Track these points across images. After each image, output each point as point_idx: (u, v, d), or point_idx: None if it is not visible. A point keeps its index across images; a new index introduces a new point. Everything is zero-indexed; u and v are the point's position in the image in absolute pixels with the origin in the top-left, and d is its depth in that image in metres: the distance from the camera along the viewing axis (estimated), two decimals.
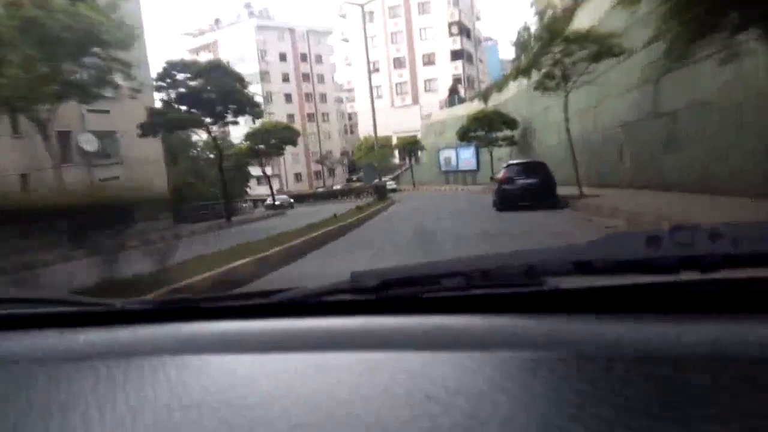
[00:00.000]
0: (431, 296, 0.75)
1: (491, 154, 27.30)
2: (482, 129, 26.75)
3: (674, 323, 0.59)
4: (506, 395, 0.51)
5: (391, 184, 40.93)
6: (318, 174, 68.40)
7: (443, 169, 40.09)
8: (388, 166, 49.90)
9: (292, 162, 66.45)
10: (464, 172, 37.12)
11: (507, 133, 25.85)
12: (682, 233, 0.61)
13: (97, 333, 0.82)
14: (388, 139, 47.22)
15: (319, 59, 68.41)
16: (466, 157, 36.18)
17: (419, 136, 45.03)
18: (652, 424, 0.44)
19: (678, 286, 0.64)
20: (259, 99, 25.06)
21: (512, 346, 0.60)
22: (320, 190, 49.22)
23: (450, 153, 38.79)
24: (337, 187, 50.91)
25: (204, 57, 43.73)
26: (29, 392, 0.64)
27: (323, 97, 68.76)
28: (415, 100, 57.16)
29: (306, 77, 67.20)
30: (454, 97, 45.90)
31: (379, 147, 35.36)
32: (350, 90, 70.11)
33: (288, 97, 66.16)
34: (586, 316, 0.63)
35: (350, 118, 72.98)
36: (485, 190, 21.31)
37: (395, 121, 51.54)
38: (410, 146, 43.60)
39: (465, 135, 28.15)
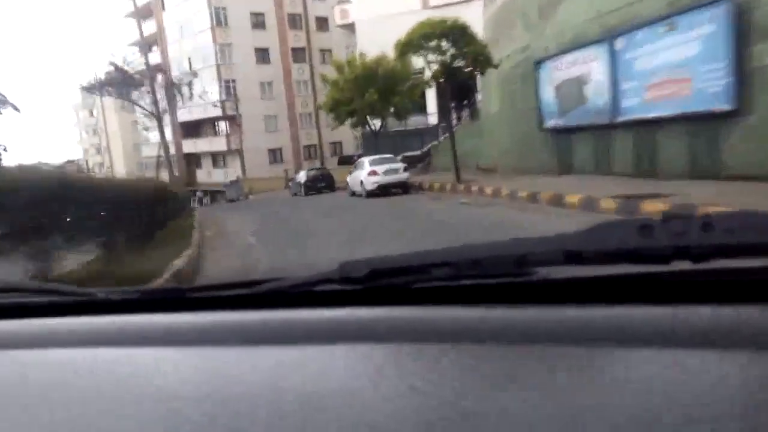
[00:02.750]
0: (421, 286, 0.74)
1: None
2: None
3: (666, 313, 0.59)
4: (496, 387, 0.51)
5: (395, 176, 16.11)
6: (311, 150, 42.28)
7: (553, 124, 13.03)
8: (403, 129, 23.60)
9: (264, 130, 40.61)
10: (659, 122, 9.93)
11: None
12: (674, 223, 0.61)
13: (80, 322, 0.83)
14: (404, 66, 19.96)
15: None
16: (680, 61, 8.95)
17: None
18: (645, 413, 0.44)
19: (670, 276, 0.63)
20: None
21: (502, 337, 0.60)
22: (302, 176, 25.58)
23: (584, 65, 11.37)
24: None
25: None
26: (9, 380, 0.65)
27: (322, 23, 42.16)
28: None
29: None
30: None
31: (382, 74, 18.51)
32: None
33: (258, 19, 40.02)
34: (577, 306, 0.63)
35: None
36: None
37: None
38: (456, 74, 14.95)
39: None
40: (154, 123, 47.86)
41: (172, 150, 45.26)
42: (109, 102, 56.79)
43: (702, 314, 0.57)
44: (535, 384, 0.51)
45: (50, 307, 0.89)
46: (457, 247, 0.74)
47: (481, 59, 13.85)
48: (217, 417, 0.51)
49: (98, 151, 66.76)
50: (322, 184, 23.93)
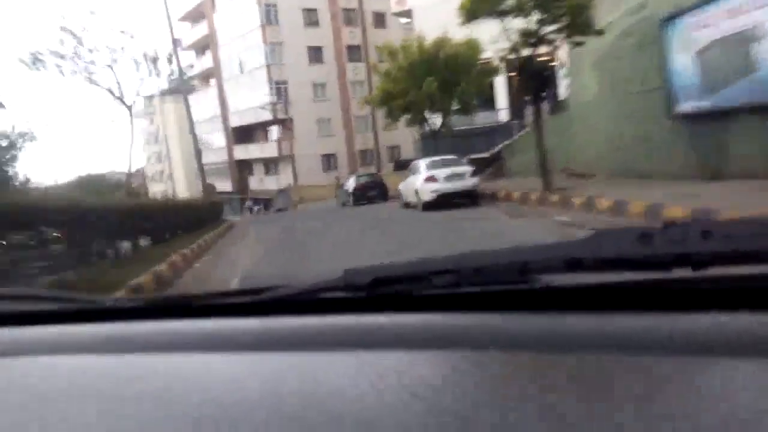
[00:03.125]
0: (424, 294, 0.75)
1: None
2: None
3: (666, 320, 0.59)
4: (498, 394, 0.51)
5: (459, 182, 12.38)
6: (367, 155, 39.20)
7: (692, 107, 9.07)
8: (468, 128, 20.00)
9: (317, 134, 38.00)
10: None
11: None
12: (674, 230, 0.61)
13: (88, 329, 0.84)
14: (472, 44, 16.31)
15: None
16: None
17: None
18: (646, 420, 0.44)
19: (670, 283, 0.63)
20: None
21: (504, 345, 0.60)
22: (354, 182, 22.29)
23: (755, 13, 7.38)
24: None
25: None
26: (20, 386, 0.67)
27: (379, 19, 39.09)
28: None
29: None
30: None
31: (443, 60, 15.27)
32: None
33: (310, 16, 37.44)
34: (578, 314, 0.63)
35: None
36: None
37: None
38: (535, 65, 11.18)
39: None
40: (206, 128, 46.53)
41: (224, 157, 43.50)
42: (170, 107, 56.48)
43: (702, 321, 0.57)
44: (536, 391, 0.51)
45: (59, 314, 0.91)
46: (459, 254, 0.75)
47: (580, 22, 9.98)
48: (221, 421, 0.52)
49: (159, 159, 66.80)
50: (372, 192, 20.71)
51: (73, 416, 0.57)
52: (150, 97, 70.55)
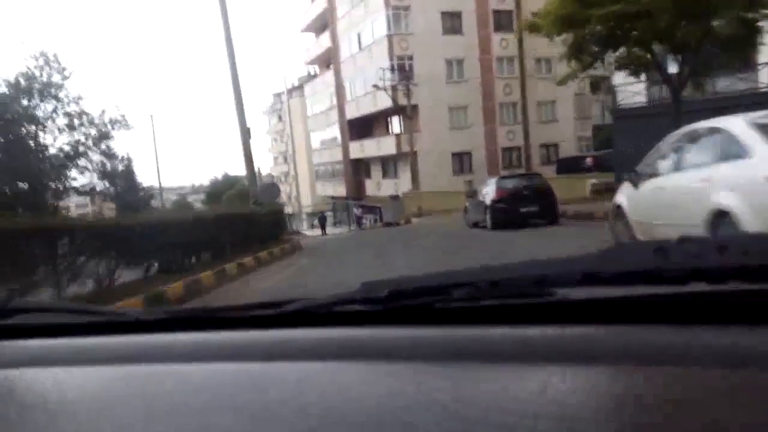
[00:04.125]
0: (441, 306, 0.75)
1: None
2: None
3: (682, 334, 0.59)
4: (517, 406, 0.52)
5: None
6: (513, 155, 29.57)
7: None
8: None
9: (448, 126, 29.43)
10: None
11: None
12: (691, 244, 0.62)
13: (115, 341, 0.86)
14: None
15: None
16: None
17: None
18: (662, 431, 0.45)
19: (686, 297, 0.63)
20: None
21: (522, 358, 0.61)
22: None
23: None
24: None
25: None
26: (48, 397, 0.69)
27: None
28: None
29: None
30: None
31: None
32: None
33: None
34: (595, 327, 0.63)
35: None
36: None
37: None
38: None
39: None
40: (321, 122, 40.10)
41: (339, 155, 36.48)
42: (296, 105, 51.71)
43: (718, 335, 0.57)
44: (554, 403, 0.51)
45: (87, 326, 0.93)
46: (477, 268, 0.76)
47: None
48: (243, 430, 0.54)
49: (285, 159, 62.79)
50: (529, 207, 11.48)
51: (103, 427, 0.58)
52: (279, 94, 68.11)
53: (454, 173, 28.99)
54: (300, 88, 46.77)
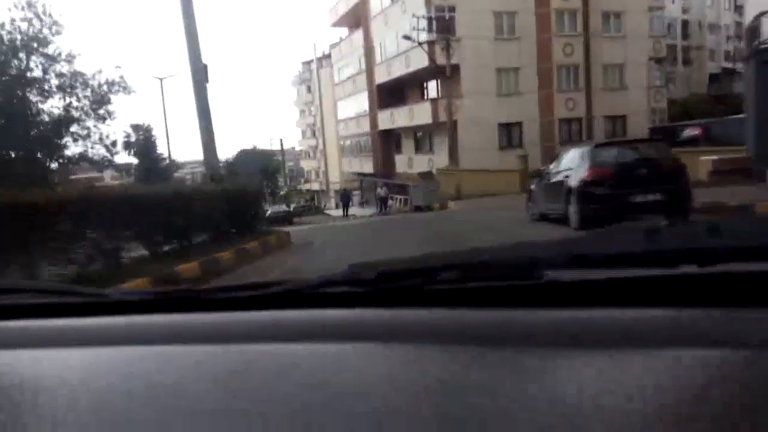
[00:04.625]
0: (429, 288, 0.74)
1: None
2: None
3: (672, 316, 0.59)
4: (502, 387, 0.52)
5: None
6: (572, 127, 24.75)
7: None
8: None
9: (495, 92, 24.90)
10: None
11: None
12: (681, 226, 0.64)
13: (95, 322, 0.84)
14: None
15: None
16: None
17: None
18: (651, 416, 0.45)
19: (676, 279, 0.64)
20: None
21: (509, 339, 0.61)
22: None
23: None
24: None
25: None
26: (23, 379, 0.67)
27: None
28: None
29: None
30: None
31: None
32: None
33: None
34: (585, 309, 0.64)
35: None
36: None
37: None
38: None
39: None
40: (347, 89, 35.68)
41: (367, 126, 32.14)
42: (326, 75, 47.38)
43: (709, 317, 0.58)
44: (541, 385, 0.52)
45: (67, 307, 0.91)
46: (466, 250, 0.75)
47: None
48: (232, 411, 0.53)
49: (314, 133, 58.77)
50: (645, 195, 6.90)
51: (83, 409, 0.57)
52: (308, 62, 63.66)
53: (500, 148, 24.36)
54: (330, 57, 42.40)
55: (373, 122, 31.06)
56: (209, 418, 0.52)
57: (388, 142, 30.93)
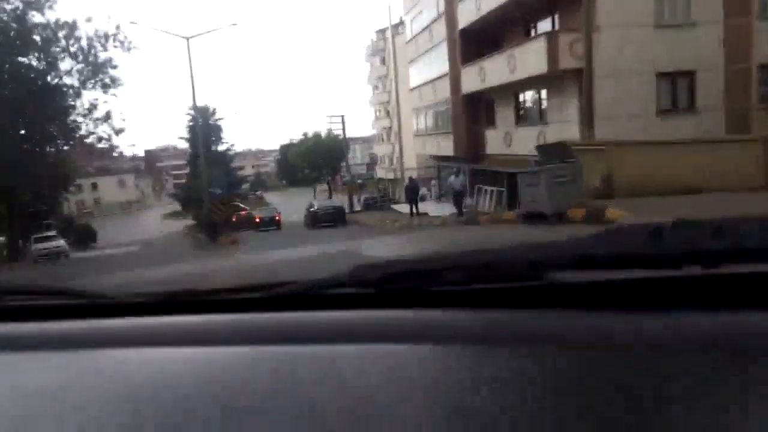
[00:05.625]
0: (433, 290, 0.75)
1: None
2: None
3: (676, 317, 0.60)
4: (507, 389, 0.52)
5: None
6: (764, 77, 14.91)
7: None
8: None
9: (652, 26, 14.96)
10: None
11: None
12: (685, 228, 0.63)
13: (94, 324, 0.84)
14: None
15: None
16: None
17: None
18: (654, 415, 0.46)
19: (680, 280, 0.64)
20: None
21: (514, 341, 0.61)
22: None
23: None
24: None
25: None
26: (27, 380, 0.68)
27: None
28: None
29: None
30: None
31: None
32: None
33: None
34: (588, 311, 0.64)
35: None
36: None
37: None
38: None
39: None
40: (422, 44, 27.16)
41: (446, 92, 23.56)
42: (401, 42, 39.31)
43: (712, 319, 0.58)
44: (546, 387, 0.52)
45: (64, 309, 0.90)
46: (470, 251, 0.74)
47: None
48: (233, 411, 0.54)
49: (387, 112, 50.85)
50: None
51: (84, 410, 0.58)
52: (382, 30, 55.72)
53: (659, 112, 15.10)
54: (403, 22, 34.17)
55: (455, 84, 22.43)
56: (215, 420, 0.53)
57: (474, 111, 22.19)
